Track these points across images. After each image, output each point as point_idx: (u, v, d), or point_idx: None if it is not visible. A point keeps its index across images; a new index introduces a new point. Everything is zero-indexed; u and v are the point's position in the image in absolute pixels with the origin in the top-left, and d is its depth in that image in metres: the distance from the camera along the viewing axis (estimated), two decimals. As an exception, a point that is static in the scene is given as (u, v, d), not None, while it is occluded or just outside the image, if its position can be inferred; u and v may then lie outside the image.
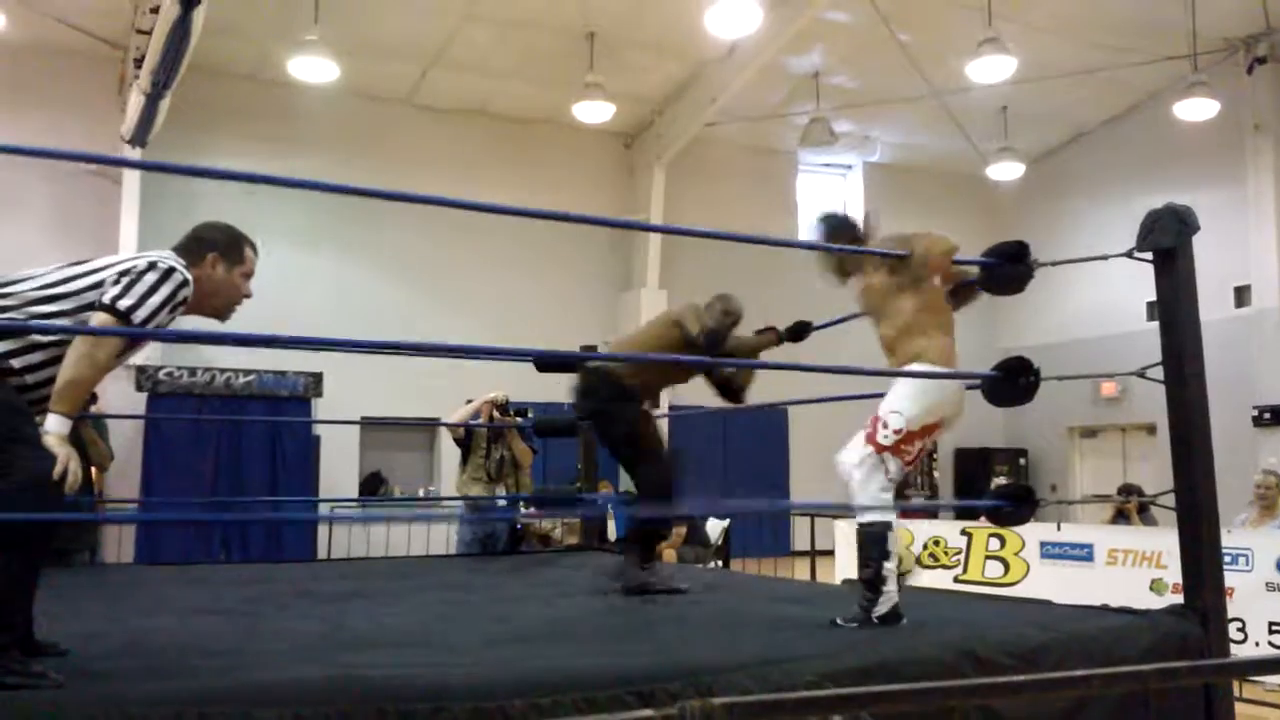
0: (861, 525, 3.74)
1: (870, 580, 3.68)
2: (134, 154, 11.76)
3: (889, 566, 3.67)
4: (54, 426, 2.82)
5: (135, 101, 11.30)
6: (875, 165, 18.02)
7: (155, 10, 9.92)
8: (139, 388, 12.16)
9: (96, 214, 12.28)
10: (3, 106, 12.20)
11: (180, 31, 9.70)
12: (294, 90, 13.16)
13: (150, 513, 11.18)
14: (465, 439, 7.52)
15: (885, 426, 3.69)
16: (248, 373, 12.58)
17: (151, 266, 3.03)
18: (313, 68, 12.14)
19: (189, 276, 3.13)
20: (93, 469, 6.94)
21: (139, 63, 10.88)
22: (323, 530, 11.95)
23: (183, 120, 12.23)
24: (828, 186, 18.19)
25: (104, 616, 4.00)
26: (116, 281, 2.97)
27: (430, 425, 13.99)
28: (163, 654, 3.18)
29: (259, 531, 12.34)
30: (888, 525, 3.70)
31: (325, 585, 4.87)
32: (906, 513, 9.88)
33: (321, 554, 11.44)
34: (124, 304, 2.93)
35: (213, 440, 12.37)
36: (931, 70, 13.84)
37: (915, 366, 3.76)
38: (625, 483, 5.34)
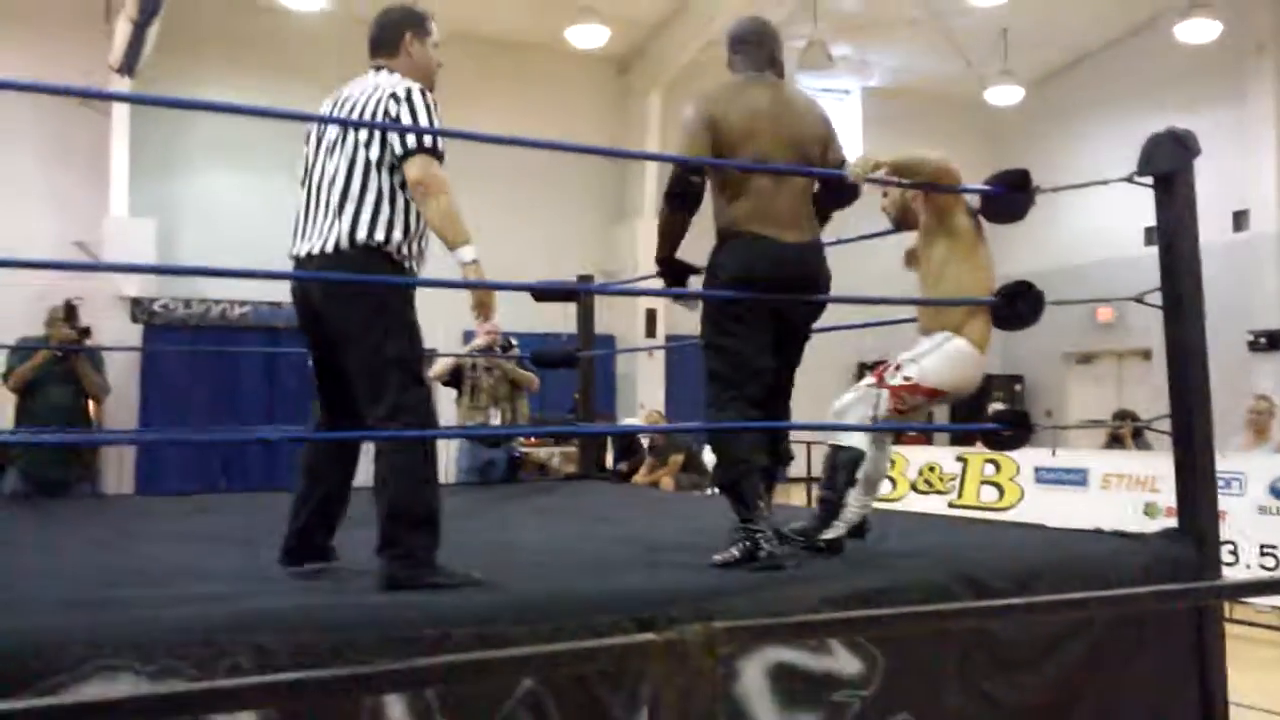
0: (836, 448, 3.73)
1: (830, 503, 3.66)
2: (123, 82, 11.60)
3: (852, 494, 3.65)
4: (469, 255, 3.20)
5: (123, 29, 11.11)
6: (873, 90, 17.81)
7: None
8: (134, 319, 12.14)
9: (87, 141, 12.14)
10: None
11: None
12: (283, 16, 12.95)
13: (150, 435, 11.23)
14: (452, 379, 7.50)
15: (898, 370, 3.66)
16: (243, 304, 12.56)
17: (407, 97, 3.15)
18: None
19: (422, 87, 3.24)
20: (89, 401, 6.95)
21: (125, -11, 10.69)
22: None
23: (172, 48, 12.04)
24: (826, 111, 17.99)
25: (109, 545, 4.04)
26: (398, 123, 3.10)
27: (426, 356, 13.97)
28: (171, 581, 3.21)
29: (258, 461, 12.41)
30: (861, 454, 3.67)
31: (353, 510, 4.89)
32: (902, 437, 9.93)
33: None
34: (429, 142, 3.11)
35: (209, 372, 12.39)
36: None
37: (955, 340, 3.67)
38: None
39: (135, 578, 3.29)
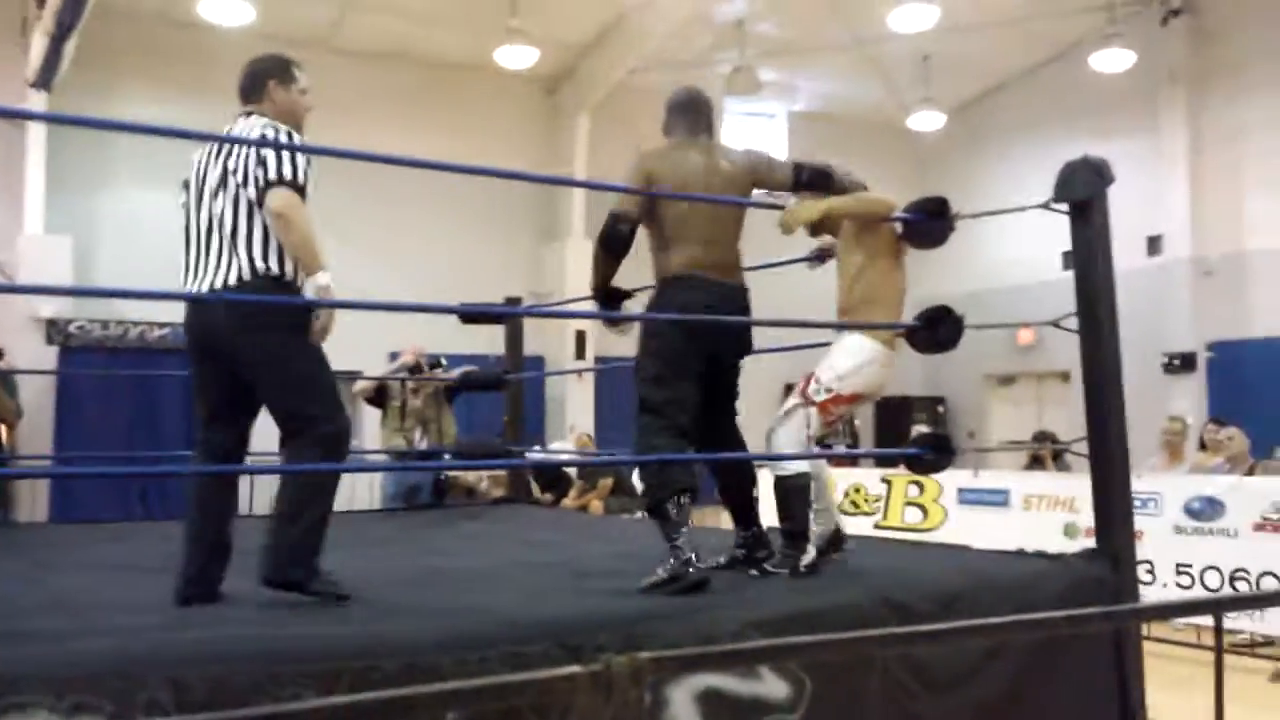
0: (782, 477, 3.78)
1: (796, 532, 3.73)
2: (39, 98, 11.34)
3: (811, 517, 3.72)
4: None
5: (39, 43, 10.86)
6: (799, 114, 18.04)
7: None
8: (49, 341, 11.82)
9: (1, 157, 11.84)
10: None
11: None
12: (206, 32, 12.73)
13: (64, 467, 10.93)
14: (376, 397, 7.46)
15: (818, 383, 3.77)
16: (161, 325, 12.28)
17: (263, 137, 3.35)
18: (225, 9, 11.78)
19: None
20: (1, 425, 6.76)
21: (41, 2, 10.47)
22: (244, 485, 11.76)
23: (90, 63, 11.79)
24: (752, 135, 18.19)
25: (22, 576, 3.91)
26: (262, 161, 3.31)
27: (349, 378, 13.85)
28: (86, 613, 3.12)
29: (177, 487, 12.12)
30: (809, 476, 3.76)
31: (248, 541, 4.80)
32: (834, 461, 10.03)
33: (243, 510, 11.28)
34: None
35: (127, 395, 12.10)
36: (855, 19, 13.88)
37: (861, 339, 3.81)
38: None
39: (49, 610, 3.19)
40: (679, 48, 14.87)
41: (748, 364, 4.03)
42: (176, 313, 13.00)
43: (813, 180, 3.95)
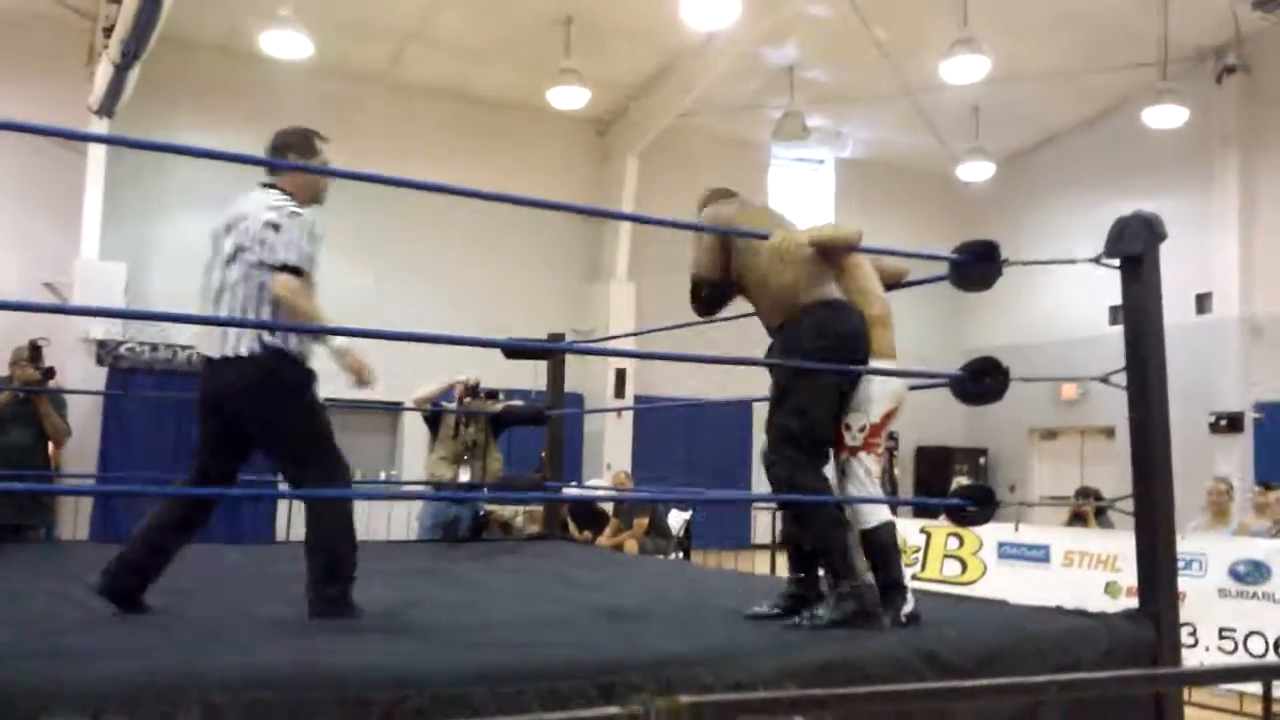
0: (867, 530, 3.63)
1: (889, 583, 3.59)
2: (101, 124, 11.60)
3: (903, 565, 3.71)
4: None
5: (104, 71, 11.15)
6: (847, 161, 18.09)
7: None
8: (100, 362, 12.03)
9: (61, 183, 12.10)
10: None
11: (151, 1, 9.58)
12: (266, 65, 13.01)
13: (109, 485, 11.05)
14: (433, 416, 7.51)
15: (849, 429, 3.70)
16: (210, 350, 12.45)
17: (275, 222, 3.62)
18: (286, 43, 12.02)
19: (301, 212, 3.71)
20: (49, 443, 6.85)
21: (108, 32, 10.74)
22: (281, 513, 11.88)
23: (152, 92, 12.08)
24: (800, 180, 18.25)
25: (59, 594, 3.96)
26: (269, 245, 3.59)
27: (393, 410, 13.94)
28: (118, 633, 3.15)
29: (217, 512, 12.22)
30: (893, 525, 3.70)
31: (284, 567, 4.83)
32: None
33: (280, 536, 11.37)
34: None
35: (172, 418, 12.25)
36: (906, 68, 13.91)
37: (874, 361, 3.76)
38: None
39: (84, 628, 3.22)
40: (729, 92, 14.99)
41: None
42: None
43: None
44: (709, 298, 3.96)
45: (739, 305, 4.08)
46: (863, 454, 3.69)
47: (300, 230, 3.63)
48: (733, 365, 4.23)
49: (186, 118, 13.02)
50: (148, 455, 11.75)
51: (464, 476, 7.15)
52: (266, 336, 3.58)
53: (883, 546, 3.64)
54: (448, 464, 7.31)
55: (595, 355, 15.47)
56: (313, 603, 3.49)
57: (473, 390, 7.50)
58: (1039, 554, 7.63)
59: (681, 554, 10.21)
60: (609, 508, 10.00)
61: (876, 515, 3.66)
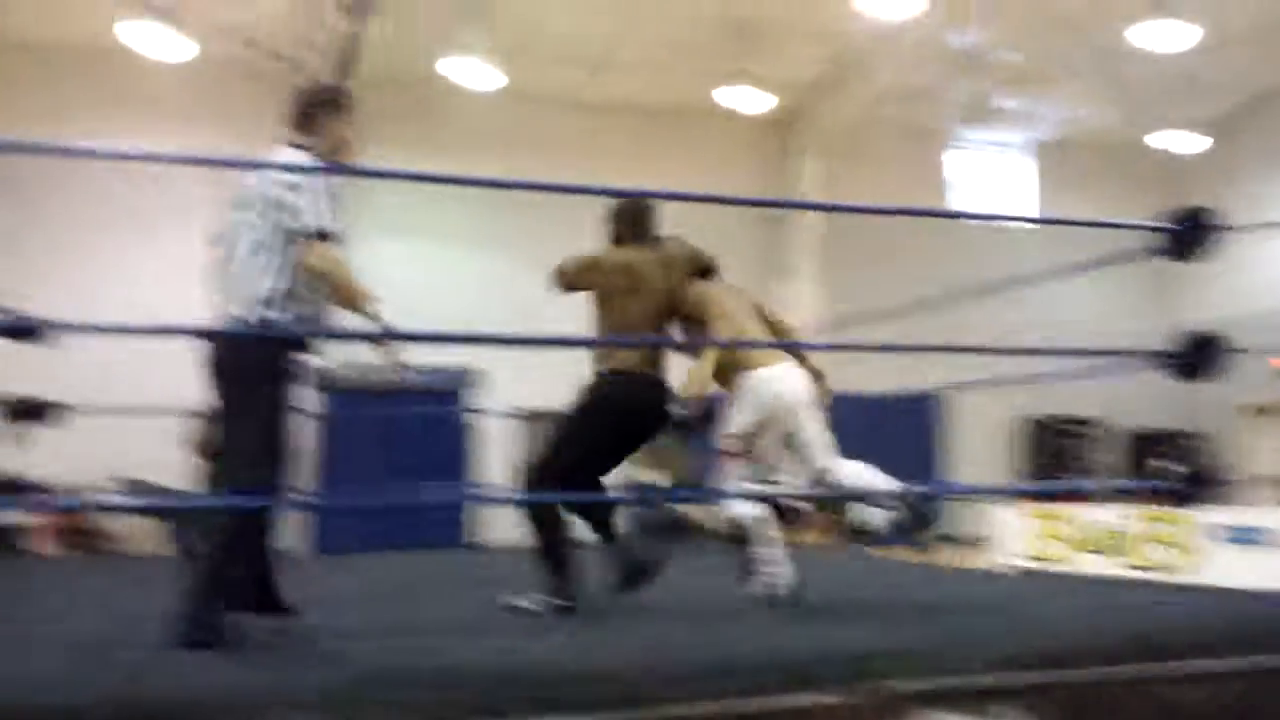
0: (729, 518, 4.35)
1: (750, 561, 4.15)
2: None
3: (761, 551, 4.13)
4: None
5: (307, 112, 11.80)
6: (1039, 142, 17.43)
7: (329, 26, 10.38)
8: (322, 388, 12.71)
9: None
10: (175, 121, 12.89)
11: (350, 44, 10.12)
12: (456, 93, 13.55)
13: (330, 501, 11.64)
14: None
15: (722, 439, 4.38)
16: (416, 371, 13.00)
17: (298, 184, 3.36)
18: (475, 71, 12.58)
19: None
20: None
21: (314, 76, 11.38)
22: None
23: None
24: (990, 165, 17.70)
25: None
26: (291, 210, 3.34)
27: (550, 417, 14.16)
28: (323, 637, 3.31)
29: (424, 519, 12.75)
30: (753, 518, 4.22)
31: (485, 571, 5.01)
32: (1074, 497, 9.51)
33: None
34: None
35: (384, 436, 12.84)
36: (1100, 40, 13.30)
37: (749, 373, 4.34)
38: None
39: (313, 634, 3.42)
40: (910, 81, 14.66)
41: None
42: (428, 355, 13.71)
43: None
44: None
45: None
46: (728, 459, 4.33)
47: (321, 191, 3.40)
48: (922, 353, 4.14)
49: (385, 151, 13.56)
50: (360, 468, 12.35)
51: (653, 478, 7.24)
52: (259, 307, 3.32)
53: (740, 532, 4.24)
54: (641, 465, 7.41)
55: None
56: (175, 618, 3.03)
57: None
58: (1259, 537, 7.14)
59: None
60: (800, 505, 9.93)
61: (735, 509, 4.29)
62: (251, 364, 3.25)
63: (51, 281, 11.98)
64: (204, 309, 3.53)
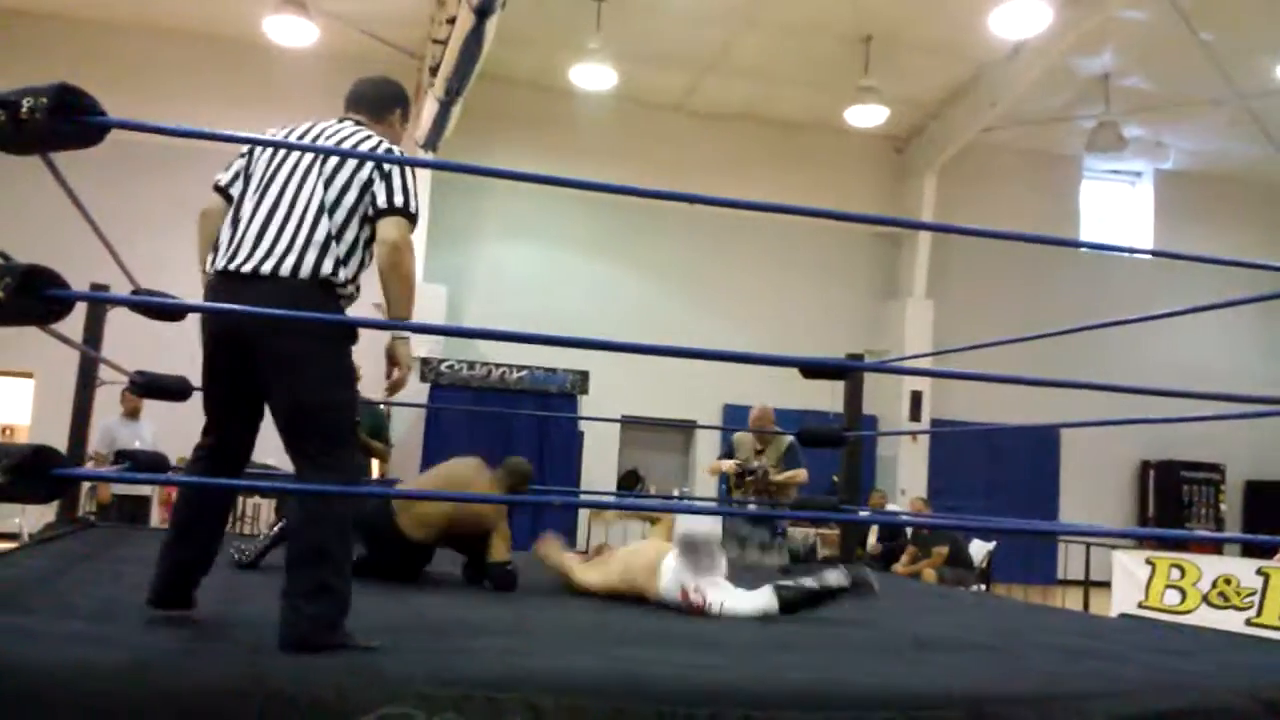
0: None
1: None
2: (425, 156, 12.51)
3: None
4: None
5: (429, 107, 12.03)
6: (1167, 173, 16.91)
7: (451, 21, 10.52)
8: (423, 379, 12.94)
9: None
10: (315, 111, 13.19)
11: (473, 41, 10.25)
12: (573, 97, 13.67)
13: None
14: (728, 443, 7.60)
15: None
16: (520, 368, 13.17)
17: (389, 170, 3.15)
18: (593, 75, 12.64)
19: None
20: (374, 463, 7.43)
21: (434, 70, 11.57)
22: (581, 527, 12.44)
23: (470, 126, 12.92)
24: (1113, 194, 17.22)
25: (388, 594, 4.26)
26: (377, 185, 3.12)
27: (687, 427, 14.19)
28: (442, 633, 3.34)
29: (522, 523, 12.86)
30: None
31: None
32: (1191, 546, 9.18)
33: (579, 547, 11.80)
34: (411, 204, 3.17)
35: (486, 431, 12.99)
36: (1236, 71, 12.84)
37: None
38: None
39: (414, 627, 3.44)
40: (1035, 103, 14.36)
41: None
42: (534, 357, 13.90)
43: None
44: None
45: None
46: None
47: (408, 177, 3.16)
48: (1038, 387, 4.00)
49: (501, 148, 13.83)
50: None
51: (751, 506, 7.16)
52: (325, 265, 3.00)
53: None
54: (738, 490, 7.34)
55: (897, 375, 15.14)
56: (292, 625, 2.75)
57: (750, 472, 7.32)
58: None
59: (984, 586, 9.81)
60: (904, 534, 9.76)
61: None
62: (319, 328, 2.94)
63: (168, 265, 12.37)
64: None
